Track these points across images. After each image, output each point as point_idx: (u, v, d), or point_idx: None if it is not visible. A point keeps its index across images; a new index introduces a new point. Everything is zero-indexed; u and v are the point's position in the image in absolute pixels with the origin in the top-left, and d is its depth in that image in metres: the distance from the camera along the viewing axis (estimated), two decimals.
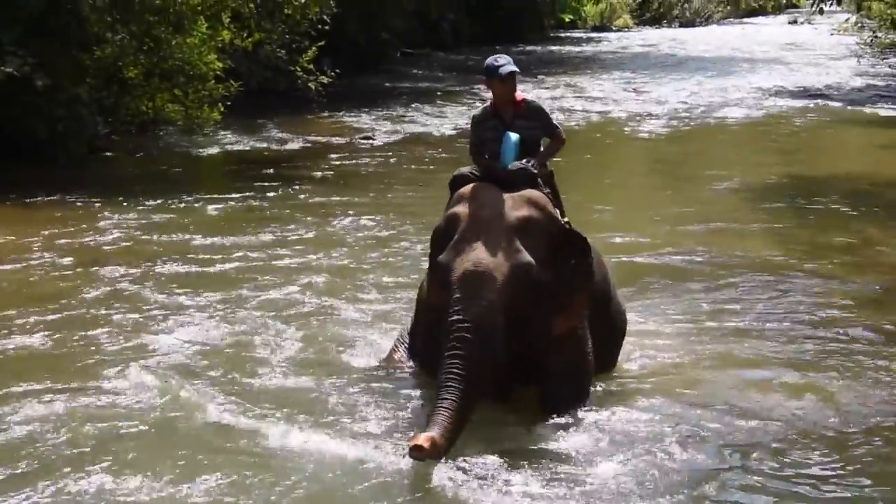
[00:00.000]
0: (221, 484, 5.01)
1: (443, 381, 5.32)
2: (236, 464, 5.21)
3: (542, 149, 6.27)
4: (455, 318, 5.42)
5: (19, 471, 5.13)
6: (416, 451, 5.01)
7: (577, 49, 28.79)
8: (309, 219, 10.66)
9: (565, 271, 5.74)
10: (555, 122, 6.29)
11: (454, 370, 5.31)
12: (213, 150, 14.76)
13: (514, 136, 6.01)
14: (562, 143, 6.29)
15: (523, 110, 6.17)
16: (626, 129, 17.20)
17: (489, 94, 6.23)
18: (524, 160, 6.02)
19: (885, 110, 18.89)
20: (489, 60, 6.12)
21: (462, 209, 5.77)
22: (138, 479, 5.01)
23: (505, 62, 6.05)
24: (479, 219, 5.67)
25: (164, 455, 5.27)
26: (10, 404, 5.85)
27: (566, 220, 5.99)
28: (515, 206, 5.73)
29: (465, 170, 6.14)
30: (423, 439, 5.02)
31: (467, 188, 5.89)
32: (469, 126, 6.33)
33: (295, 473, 5.12)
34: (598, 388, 6.15)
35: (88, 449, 5.35)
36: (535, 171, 5.98)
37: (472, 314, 5.41)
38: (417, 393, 6.08)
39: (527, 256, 5.58)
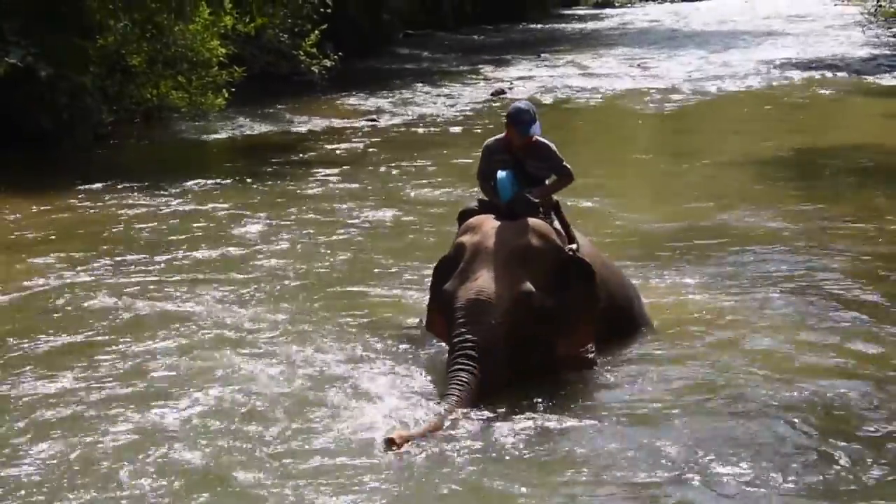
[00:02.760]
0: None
1: (446, 395, 5.58)
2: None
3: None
4: (458, 339, 5.71)
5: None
6: (388, 444, 5.16)
7: (580, 26, 28.70)
8: (318, 201, 10.71)
9: (569, 297, 5.94)
10: (563, 161, 6.43)
11: (456, 382, 5.58)
12: (219, 136, 14.76)
13: (503, 174, 6.23)
14: (570, 179, 6.45)
15: (534, 151, 6.35)
16: (631, 105, 17.15)
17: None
18: (524, 189, 6.22)
19: (889, 80, 18.81)
20: (514, 110, 6.32)
21: (467, 239, 6.04)
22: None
23: (528, 119, 6.23)
24: (483, 248, 5.93)
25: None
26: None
27: (573, 246, 6.16)
28: (518, 235, 5.98)
29: (473, 204, 6.45)
30: (395, 434, 5.19)
31: (474, 220, 6.17)
32: (481, 152, 6.48)
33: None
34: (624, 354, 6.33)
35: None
36: (536, 200, 6.21)
37: (475, 335, 5.68)
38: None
39: (528, 284, 5.82)
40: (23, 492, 4.84)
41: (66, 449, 5.20)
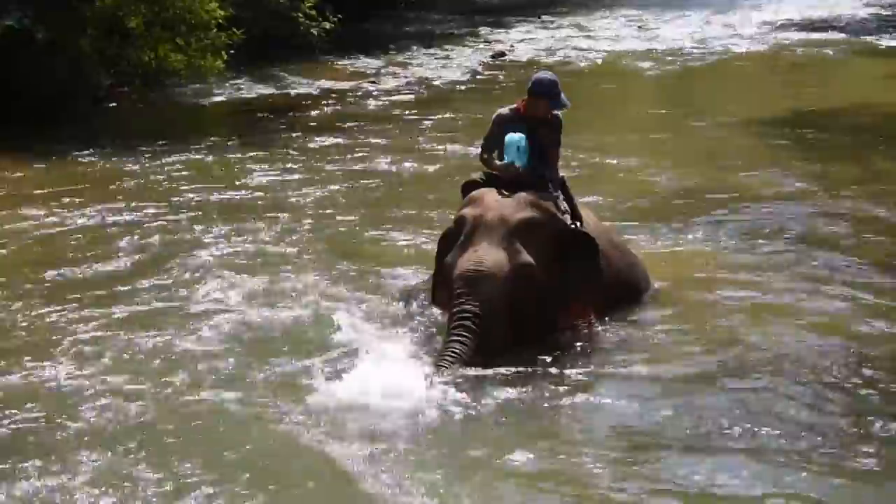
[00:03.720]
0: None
1: (439, 358, 5.66)
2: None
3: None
4: (457, 309, 5.76)
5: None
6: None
7: None
8: (325, 156, 10.88)
9: (571, 271, 5.99)
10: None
11: (450, 353, 5.64)
12: (218, 99, 14.76)
13: (516, 136, 6.16)
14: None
15: (552, 121, 6.34)
16: (632, 67, 17.06)
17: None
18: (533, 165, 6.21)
19: (891, 40, 18.70)
20: (544, 82, 6.27)
21: (469, 212, 6.08)
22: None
23: (558, 91, 6.24)
24: (483, 221, 5.97)
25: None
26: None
27: (578, 223, 6.16)
28: (518, 208, 6.00)
29: (476, 175, 6.46)
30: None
31: (476, 192, 6.20)
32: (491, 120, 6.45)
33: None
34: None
35: None
36: (544, 175, 6.22)
37: (473, 305, 5.73)
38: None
39: (526, 256, 5.87)
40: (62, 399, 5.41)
41: (95, 361, 5.85)
